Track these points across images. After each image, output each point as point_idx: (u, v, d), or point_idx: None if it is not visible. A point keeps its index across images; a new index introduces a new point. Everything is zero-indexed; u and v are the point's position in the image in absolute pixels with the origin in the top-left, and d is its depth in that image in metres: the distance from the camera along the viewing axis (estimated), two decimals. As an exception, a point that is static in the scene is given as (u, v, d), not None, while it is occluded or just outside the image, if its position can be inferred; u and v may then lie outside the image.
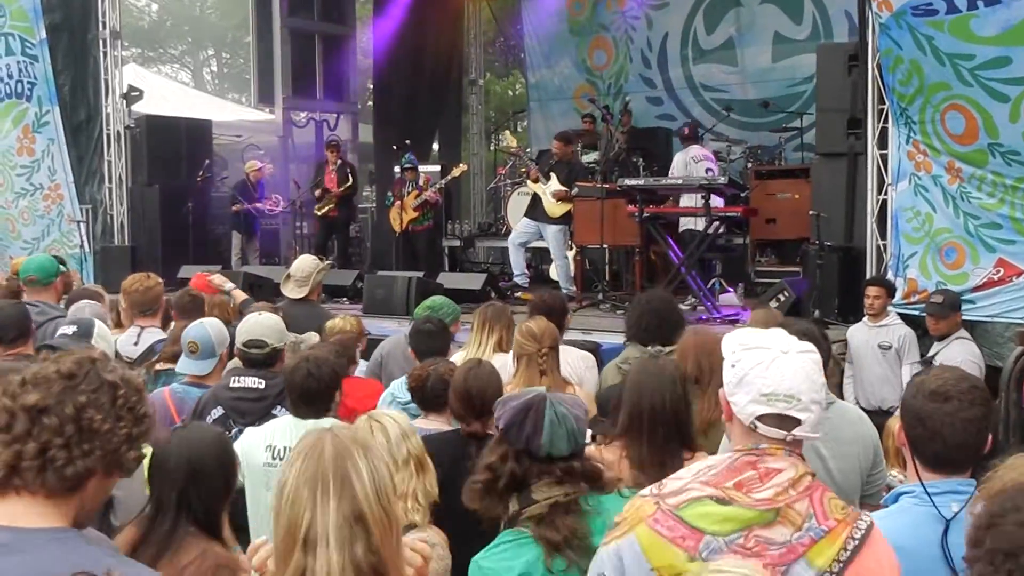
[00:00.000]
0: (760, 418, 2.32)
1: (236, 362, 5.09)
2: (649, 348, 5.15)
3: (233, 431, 4.48)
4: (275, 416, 4.50)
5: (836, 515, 2.28)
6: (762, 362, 2.34)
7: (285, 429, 4.15)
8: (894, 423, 4.47)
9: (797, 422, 2.31)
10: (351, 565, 1.98)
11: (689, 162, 11.15)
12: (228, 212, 14.60)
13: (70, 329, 4.23)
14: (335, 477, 2.03)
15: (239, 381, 4.69)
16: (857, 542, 2.25)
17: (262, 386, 4.65)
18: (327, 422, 4.00)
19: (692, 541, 2.23)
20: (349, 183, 13.66)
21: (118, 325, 6.45)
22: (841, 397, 7.05)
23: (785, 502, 2.25)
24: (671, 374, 3.58)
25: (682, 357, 4.54)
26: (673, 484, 2.35)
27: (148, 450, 3.76)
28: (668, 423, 3.42)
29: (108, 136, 13.71)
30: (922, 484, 2.66)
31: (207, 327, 5.06)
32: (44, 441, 1.94)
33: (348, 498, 2.02)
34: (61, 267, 6.65)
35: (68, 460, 1.95)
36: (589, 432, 3.48)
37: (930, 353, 7.21)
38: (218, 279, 6.95)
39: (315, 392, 4.15)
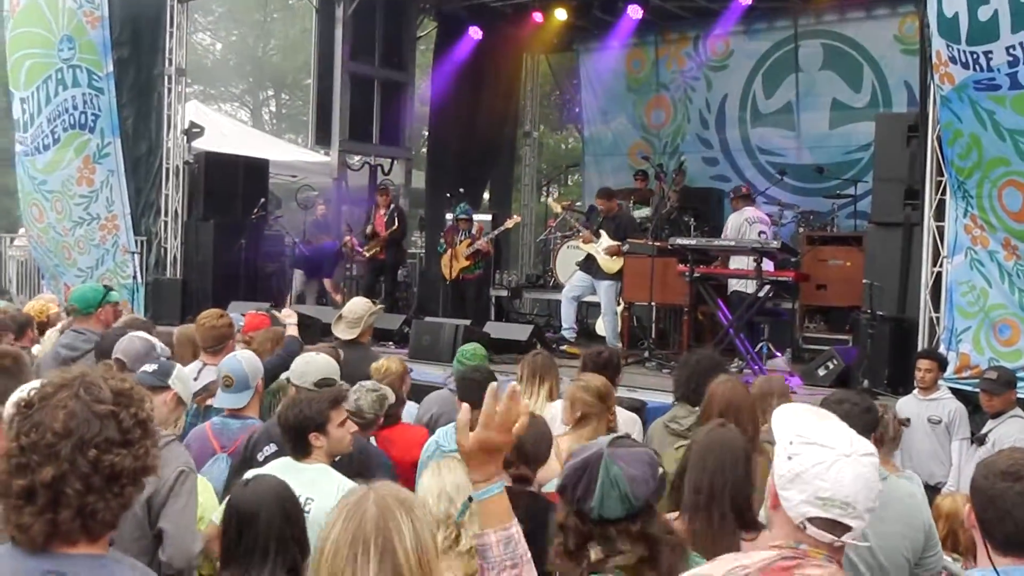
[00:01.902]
0: (811, 519, 2.23)
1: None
2: (697, 408, 5.13)
3: None
4: None
5: None
6: (823, 462, 2.24)
7: (283, 471, 3.97)
8: (948, 506, 4.40)
9: (848, 528, 2.23)
10: None
11: (743, 224, 11.13)
12: (291, 249, 14.85)
13: (151, 368, 4.20)
14: (376, 538, 2.00)
15: None
16: None
17: None
18: (315, 467, 4.03)
19: None
20: (395, 226, 13.77)
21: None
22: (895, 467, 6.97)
23: None
24: (736, 451, 3.51)
25: (706, 406, 4.54)
26: (708, 572, 2.27)
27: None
28: (725, 503, 3.35)
29: (167, 170, 13.95)
30: (994, 566, 2.59)
31: (240, 360, 5.13)
32: (77, 505, 1.93)
33: (389, 560, 1.99)
34: (112, 295, 6.69)
35: (106, 506, 1.96)
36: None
37: (984, 430, 7.08)
38: (286, 312, 7.03)
39: (300, 429, 4.12)
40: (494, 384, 2.29)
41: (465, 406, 2.36)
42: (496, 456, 2.28)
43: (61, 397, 1.97)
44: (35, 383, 2.11)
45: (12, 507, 1.93)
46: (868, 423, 3.86)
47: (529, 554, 2.28)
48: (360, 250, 13.93)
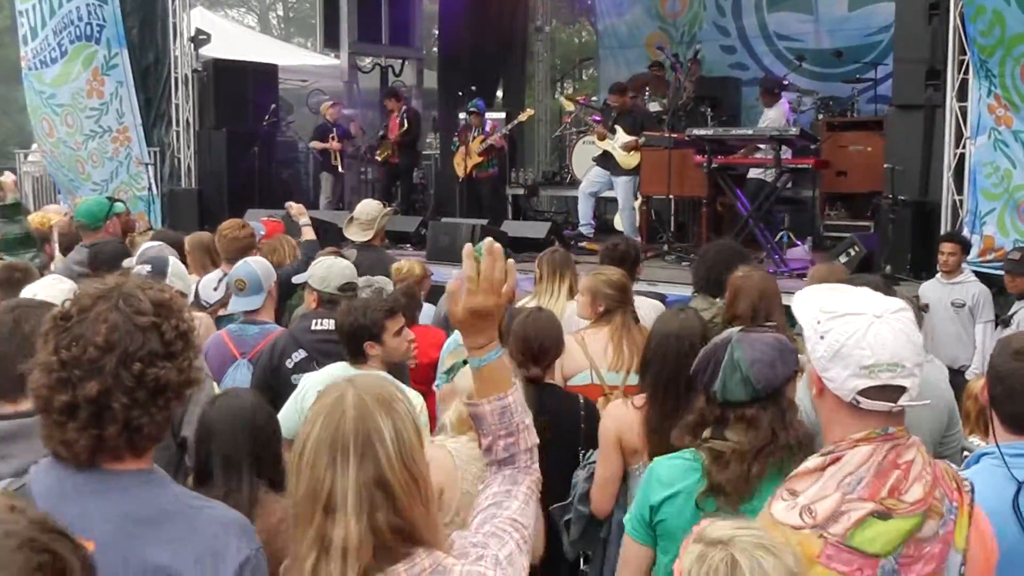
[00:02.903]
0: (862, 392, 2.14)
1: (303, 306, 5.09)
2: (718, 300, 5.08)
3: None
4: None
5: (955, 485, 2.18)
6: (858, 330, 2.14)
7: (339, 376, 4.06)
8: (975, 385, 4.37)
9: (902, 390, 2.14)
10: (370, 532, 1.90)
11: (779, 117, 11.00)
12: (311, 156, 14.73)
13: (144, 269, 4.17)
14: (356, 441, 1.94)
15: (322, 324, 4.67)
16: (971, 508, 2.15)
17: None
18: (376, 373, 4.00)
19: (870, 570, 2.08)
20: (405, 128, 13.62)
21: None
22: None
23: (932, 495, 2.12)
24: (694, 336, 3.56)
25: (732, 299, 4.52)
26: (825, 505, 2.13)
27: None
28: (680, 387, 3.43)
29: (176, 79, 13.83)
30: (998, 446, 2.58)
31: (252, 264, 5.12)
32: (123, 419, 1.89)
33: (370, 463, 1.94)
34: (117, 206, 6.61)
35: (151, 420, 1.93)
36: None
37: (1010, 312, 7.01)
38: (297, 208, 6.91)
39: (360, 334, 4.14)
40: (468, 246, 2.19)
41: (454, 272, 2.27)
42: (490, 321, 2.19)
43: (100, 309, 1.92)
44: (68, 293, 2.05)
45: (55, 423, 1.89)
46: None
47: (529, 420, 2.22)
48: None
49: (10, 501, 1.45)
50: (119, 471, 1.93)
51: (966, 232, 8.22)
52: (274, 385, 4.29)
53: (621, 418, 3.69)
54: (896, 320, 2.16)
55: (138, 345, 1.91)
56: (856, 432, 2.18)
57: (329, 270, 4.90)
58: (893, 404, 2.15)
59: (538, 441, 2.24)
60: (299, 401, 4.03)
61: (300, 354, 4.58)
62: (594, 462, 3.79)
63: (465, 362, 2.33)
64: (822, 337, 2.19)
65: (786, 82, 12.22)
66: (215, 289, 5.90)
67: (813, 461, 2.22)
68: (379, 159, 13.95)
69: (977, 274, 7.72)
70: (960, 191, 8.54)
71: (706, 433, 2.73)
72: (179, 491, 2.04)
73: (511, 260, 2.23)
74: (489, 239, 2.24)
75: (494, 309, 2.19)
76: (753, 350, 2.67)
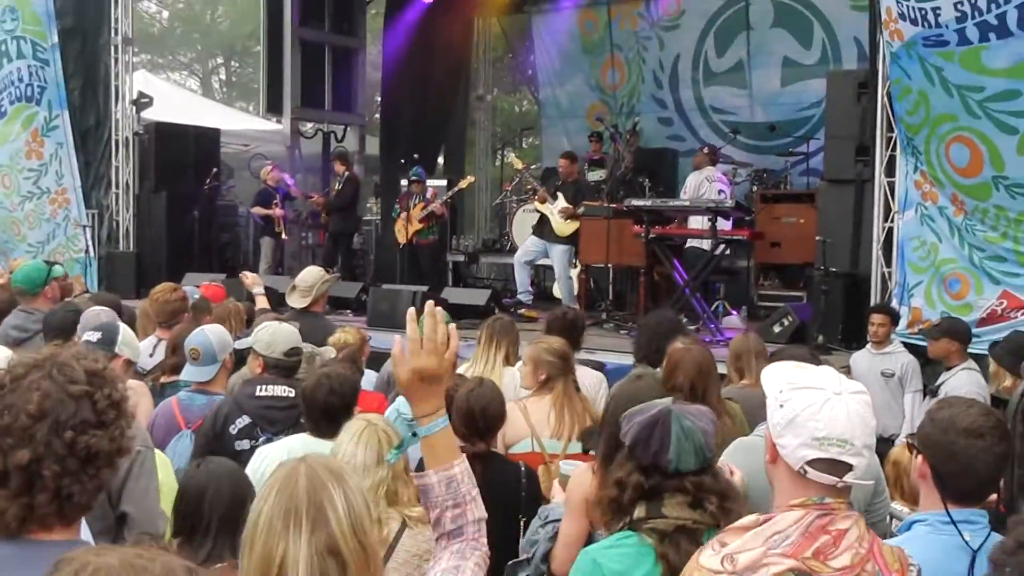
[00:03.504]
0: (810, 463, 2.24)
1: (244, 371, 5.09)
2: (658, 370, 5.17)
3: (260, 440, 4.48)
4: (303, 424, 4.44)
5: (894, 566, 2.25)
6: (814, 403, 2.25)
7: (300, 448, 3.98)
8: (899, 454, 4.49)
9: (849, 467, 2.24)
10: None
11: (703, 182, 11.22)
12: (251, 220, 14.77)
13: (94, 336, 4.08)
14: (309, 509, 1.97)
15: (267, 390, 4.65)
16: None
17: (292, 394, 4.60)
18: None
19: None
20: (339, 189, 13.72)
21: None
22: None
23: (860, 566, 2.19)
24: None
25: (671, 372, 4.56)
26: (747, 556, 2.21)
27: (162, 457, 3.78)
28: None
29: (116, 142, 13.76)
30: (949, 514, 2.67)
31: (208, 333, 5.06)
32: (54, 488, 1.90)
33: (322, 531, 1.96)
34: (55, 270, 6.56)
35: (82, 489, 1.94)
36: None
37: (937, 382, 7.20)
38: (252, 278, 6.90)
39: (337, 409, 4.11)
40: (412, 310, 2.26)
41: (397, 338, 2.31)
42: (436, 386, 2.25)
43: (34, 378, 1.94)
44: (2, 362, 2.06)
45: None
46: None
47: (476, 492, 2.26)
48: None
49: None
50: (48, 542, 1.92)
51: (895, 304, 8.44)
52: (217, 452, 4.26)
53: (589, 482, 3.70)
54: (853, 400, 2.27)
55: (70, 414, 1.92)
56: (794, 498, 2.28)
57: (274, 335, 4.87)
58: (838, 479, 2.24)
59: (485, 515, 2.28)
60: (258, 473, 3.99)
61: (244, 420, 4.55)
62: (555, 520, 3.79)
63: (415, 434, 2.37)
64: (781, 405, 2.30)
65: (719, 151, 12.48)
66: (151, 355, 5.88)
67: (748, 519, 2.31)
68: (322, 221, 14.04)
69: (906, 345, 7.92)
70: (889, 263, 8.79)
71: (639, 512, 2.71)
72: None
73: (452, 324, 2.30)
74: (431, 302, 2.31)
75: (439, 372, 2.24)
76: (699, 420, 2.74)
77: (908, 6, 7.40)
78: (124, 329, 4.00)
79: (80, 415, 1.93)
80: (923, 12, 7.27)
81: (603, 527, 2.88)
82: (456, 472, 2.23)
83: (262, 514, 2.00)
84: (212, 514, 3.07)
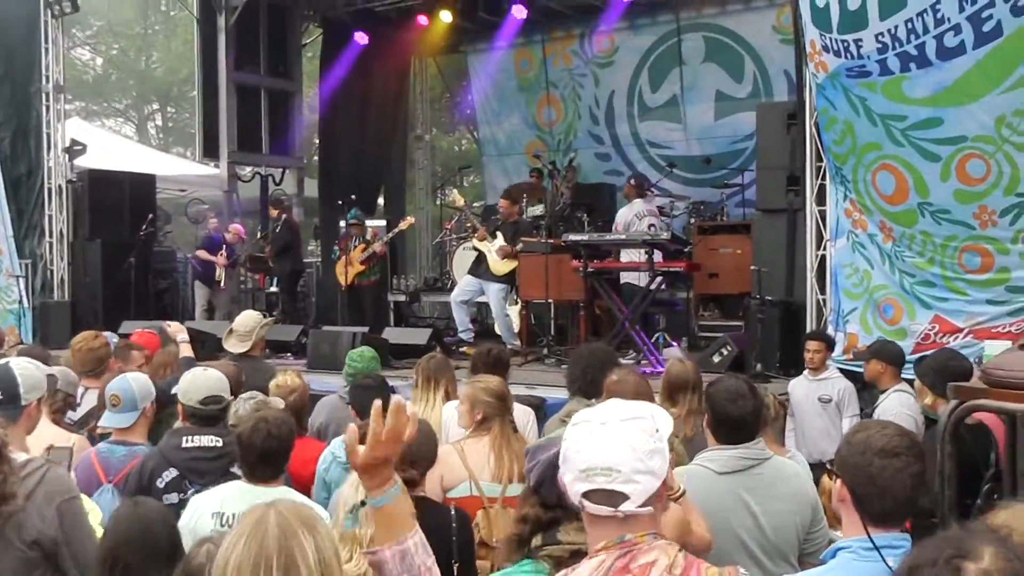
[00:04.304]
0: (586, 495, 2.23)
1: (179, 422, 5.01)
2: (592, 400, 5.17)
3: (189, 492, 4.36)
4: (233, 474, 4.34)
5: None
6: (579, 437, 2.26)
7: (236, 496, 3.96)
8: (828, 481, 4.52)
9: (624, 496, 2.21)
10: None
11: (633, 219, 11.29)
12: (189, 265, 14.63)
13: None
14: (279, 557, 1.96)
15: (192, 440, 4.52)
16: None
17: (220, 444, 4.49)
18: (278, 489, 3.95)
19: None
20: (275, 232, 13.68)
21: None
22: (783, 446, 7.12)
23: None
24: None
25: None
26: None
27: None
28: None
29: (49, 190, 13.62)
30: (870, 538, 2.66)
31: (129, 380, 4.92)
32: None
33: None
34: None
35: None
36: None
37: (874, 406, 7.28)
38: (175, 327, 6.82)
39: (275, 452, 4.02)
40: (378, 403, 2.26)
41: (351, 426, 2.32)
42: (387, 465, 2.26)
43: None
44: None
45: None
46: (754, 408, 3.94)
47: (431, 562, 2.26)
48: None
49: None
50: None
51: (831, 330, 8.54)
52: (144, 507, 4.19)
53: None
54: (620, 428, 2.25)
55: None
56: (598, 543, 2.26)
57: (192, 382, 4.73)
58: (613, 509, 2.21)
59: None
60: (192, 520, 3.90)
61: (171, 473, 4.42)
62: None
63: (364, 503, 2.35)
64: (561, 446, 2.32)
65: (648, 184, 12.55)
66: (79, 404, 5.76)
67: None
68: (261, 267, 13.97)
69: (843, 371, 8.00)
70: (823, 291, 8.91)
71: (536, 540, 2.71)
72: None
73: (414, 410, 2.30)
74: (398, 399, 2.32)
75: (393, 456, 2.26)
76: None
77: (831, 38, 7.55)
78: (21, 375, 3.80)
79: None
80: (845, 44, 7.43)
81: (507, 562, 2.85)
82: (409, 545, 2.23)
83: (230, 563, 1.98)
84: (150, 558, 3.01)
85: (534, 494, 2.76)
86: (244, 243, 14.84)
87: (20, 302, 13.25)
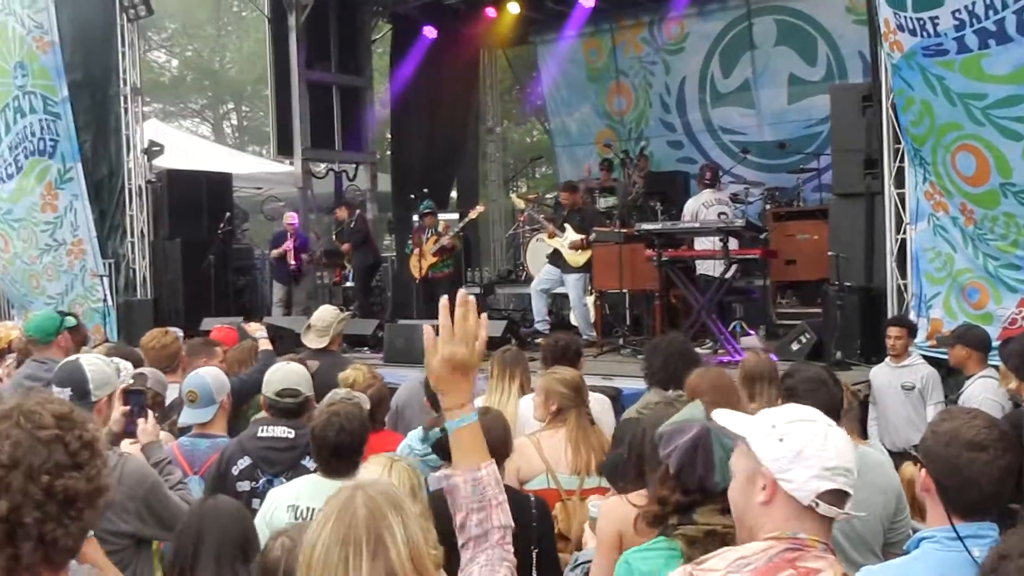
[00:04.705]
0: (820, 495, 2.21)
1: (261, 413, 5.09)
2: (669, 392, 5.14)
3: (261, 481, 4.47)
4: (304, 466, 4.44)
5: None
6: (817, 435, 2.24)
7: (312, 489, 4.02)
8: (908, 470, 4.43)
9: (847, 496, 2.23)
10: None
11: (700, 208, 11.18)
12: (266, 263, 14.87)
13: (65, 393, 3.78)
14: (368, 539, 1.98)
15: (267, 431, 4.64)
16: None
17: (292, 436, 4.60)
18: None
19: None
20: (352, 227, 13.81)
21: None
22: (866, 437, 7.00)
23: None
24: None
25: (692, 399, 4.51)
26: (707, 574, 2.22)
27: None
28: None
29: (130, 191, 13.91)
30: (954, 528, 2.61)
31: (204, 375, 5.07)
32: (37, 534, 1.88)
33: (381, 561, 1.97)
34: (67, 320, 6.56)
35: (66, 533, 1.91)
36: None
37: (958, 392, 7.12)
38: (254, 326, 6.91)
39: (347, 447, 4.06)
40: (444, 298, 2.26)
41: (428, 327, 2.31)
42: (465, 377, 2.25)
43: (2, 428, 1.92)
44: None
45: None
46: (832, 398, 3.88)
47: (502, 497, 2.25)
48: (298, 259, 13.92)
49: None
50: None
51: (913, 316, 8.37)
52: (221, 493, 4.27)
53: (622, 516, 3.63)
54: (842, 431, 2.27)
55: (43, 458, 1.90)
56: (771, 531, 2.25)
57: (272, 375, 4.86)
58: (840, 510, 2.22)
59: (512, 524, 2.27)
60: (267, 516, 3.97)
61: (245, 461, 4.54)
62: (585, 562, 3.74)
63: (442, 429, 2.37)
64: (781, 440, 2.25)
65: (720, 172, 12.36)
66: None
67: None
68: (336, 262, 14.10)
69: (927, 358, 7.84)
70: (904, 276, 8.73)
71: (672, 520, 2.77)
72: None
73: (484, 314, 2.29)
74: (463, 291, 2.31)
75: (470, 360, 2.24)
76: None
77: (906, 17, 7.38)
78: (91, 371, 3.86)
79: (53, 459, 1.92)
80: (921, 22, 7.26)
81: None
82: (483, 474, 2.22)
83: (318, 543, 2.00)
84: (203, 553, 3.07)
85: (674, 479, 2.79)
86: (319, 238, 15.00)
87: (104, 301, 13.58)
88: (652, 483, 2.92)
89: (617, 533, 3.58)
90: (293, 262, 14.00)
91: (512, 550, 2.26)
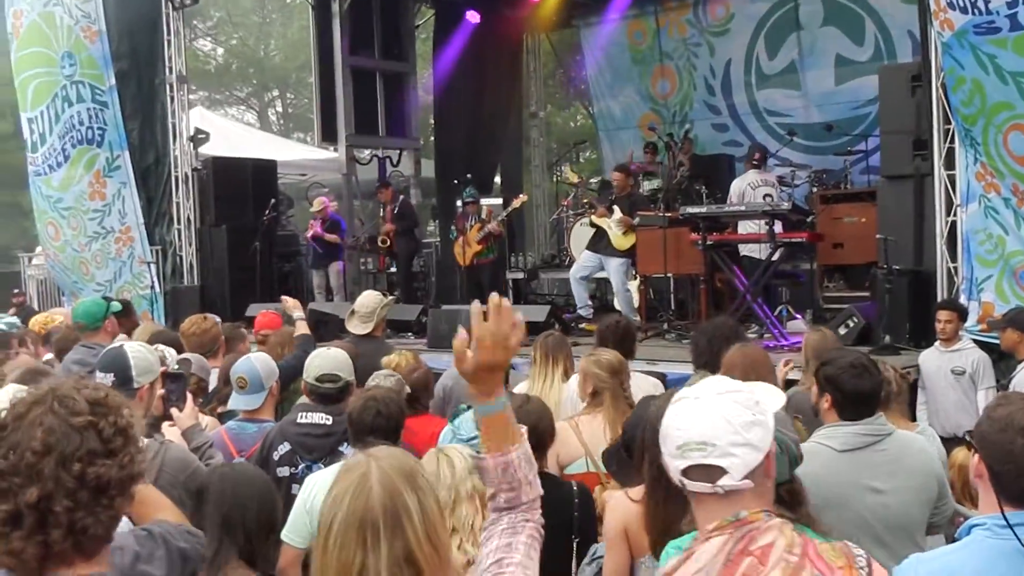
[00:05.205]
0: (684, 472, 2.16)
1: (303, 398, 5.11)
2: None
3: (300, 467, 4.50)
4: (342, 453, 4.46)
5: (838, 562, 2.11)
6: (675, 413, 2.19)
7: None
8: (958, 455, 4.36)
9: (722, 471, 2.13)
10: None
11: (746, 189, 11.05)
12: (302, 250, 14.91)
13: (108, 378, 3.81)
14: (386, 519, 1.97)
15: (307, 417, 4.67)
16: None
17: (329, 422, 4.63)
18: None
19: None
20: (397, 213, 13.84)
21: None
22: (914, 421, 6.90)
23: None
24: None
25: (728, 374, 4.47)
26: None
27: None
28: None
29: (176, 178, 14.04)
30: (1004, 515, 2.55)
31: (254, 361, 5.11)
32: (67, 522, 1.87)
33: (399, 540, 1.97)
34: (114, 306, 6.61)
35: (96, 521, 1.91)
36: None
37: (1010, 376, 7.00)
38: (291, 303, 6.89)
39: (385, 430, 4.08)
40: (477, 303, 2.23)
41: (461, 331, 2.27)
42: (497, 373, 2.23)
43: (36, 414, 1.91)
44: (4, 402, 2.04)
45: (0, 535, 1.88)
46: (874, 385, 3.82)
47: (533, 475, 2.24)
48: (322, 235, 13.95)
49: None
50: None
51: (963, 299, 8.23)
52: (264, 478, 4.32)
53: (625, 510, 3.55)
54: (714, 402, 2.17)
55: (76, 445, 1.89)
56: (709, 522, 2.18)
57: (312, 360, 4.89)
58: (711, 484, 2.14)
59: (541, 492, 2.26)
60: (308, 502, 3.99)
61: (285, 447, 4.59)
62: (600, 557, 3.72)
63: (469, 407, 2.35)
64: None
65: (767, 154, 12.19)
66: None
67: (671, 562, 2.22)
68: (380, 248, 14.13)
69: (978, 343, 7.71)
70: (954, 258, 8.59)
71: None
72: None
73: (519, 315, 2.26)
74: (495, 294, 2.27)
75: (502, 362, 2.22)
76: (787, 431, 2.63)
77: (957, -6, 7.25)
78: (134, 357, 3.87)
79: (86, 446, 1.91)
80: (973, 0, 7.12)
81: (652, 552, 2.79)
82: (512, 458, 2.20)
83: (335, 523, 2.00)
84: (215, 513, 3.11)
85: None
86: (363, 224, 15.05)
87: (152, 287, 13.72)
88: (646, 478, 2.81)
89: (623, 528, 3.54)
90: (318, 247, 14.06)
91: (539, 515, 2.24)
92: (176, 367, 4.43)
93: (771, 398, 2.38)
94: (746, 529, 2.13)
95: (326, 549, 2.00)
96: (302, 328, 6.49)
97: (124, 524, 2.12)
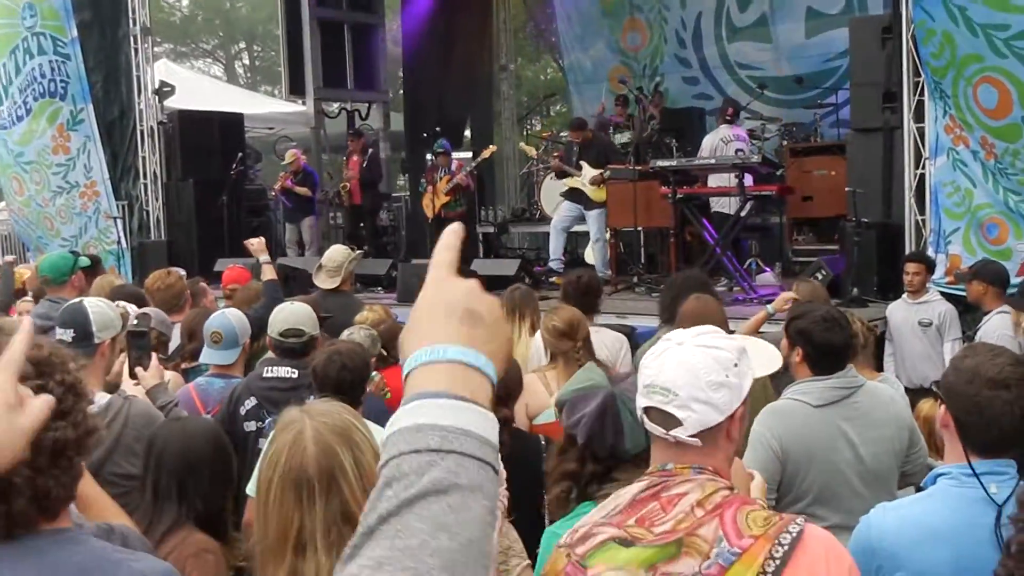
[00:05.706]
0: (645, 411, 2.14)
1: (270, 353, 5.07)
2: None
3: (267, 422, 4.48)
4: None
5: (754, 531, 2.00)
6: (653, 353, 2.16)
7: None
8: (924, 406, 4.39)
9: (677, 421, 2.09)
10: None
11: (718, 143, 11.02)
12: (271, 204, 14.82)
13: (68, 334, 3.74)
14: (321, 479, 1.98)
15: (272, 371, 4.65)
16: (780, 559, 1.96)
17: (295, 375, 4.60)
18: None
19: None
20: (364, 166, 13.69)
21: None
22: (880, 371, 6.96)
23: (687, 531, 2.00)
24: None
25: (680, 325, 4.48)
26: (583, 528, 2.11)
27: None
28: None
29: (142, 132, 13.85)
30: (970, 465, 2.57)
31: (229, 317, 5.06)
32: (30, 491, 1.82)
33: (335, 498, 1.98)
34: (81, 260, 6.51)
35: (57, 483, 1.86)
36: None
37: (975, 328, 7.06)
38: (257, 244, 6.72)
39: (350, 384, 4.07)
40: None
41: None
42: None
43: None
44: None
45: None
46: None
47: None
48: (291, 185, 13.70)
49: None
50: (34, 534, 1.86)
51: (931, 252, 8.29)
52: (230, 433, 4.27)
53: None
54: (691, 351, 2.13)
55: None
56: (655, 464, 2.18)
57: (276, 315, 4.84)
58: (664, 431, 2.11)
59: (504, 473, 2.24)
60: None
61: (251, 401, 4.55)
62: None
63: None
64: None
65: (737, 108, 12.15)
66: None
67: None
68: (343, 201, 14.02)
69: (945, 295, 7.77)
70: (922, 211, 8.63)
71: (592, 488, 2.61)
72: (98, 546, 1.97)
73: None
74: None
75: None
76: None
77: (928, -55, 7.23)
78: (94, 313, 3.79)
79: None
80: (943, -50, 7.10)
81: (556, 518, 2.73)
82: None
83: (273, 484, 2.02)
84: (159, 469, 3.08)
85: (583, 448, 2.62)
86: (332, 178, 14.93)
87: (119, 243, 13.59)
88: (562, 459, 2.72)
89: None
90: (287, 200, 13.93)
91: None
92: (136, 323, 4.37)
93: (765, 360, 2.36)
94: (664, 479, 2.10)
95: (266, 507, 2.02)
96: (268, 272, 6.37)
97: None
